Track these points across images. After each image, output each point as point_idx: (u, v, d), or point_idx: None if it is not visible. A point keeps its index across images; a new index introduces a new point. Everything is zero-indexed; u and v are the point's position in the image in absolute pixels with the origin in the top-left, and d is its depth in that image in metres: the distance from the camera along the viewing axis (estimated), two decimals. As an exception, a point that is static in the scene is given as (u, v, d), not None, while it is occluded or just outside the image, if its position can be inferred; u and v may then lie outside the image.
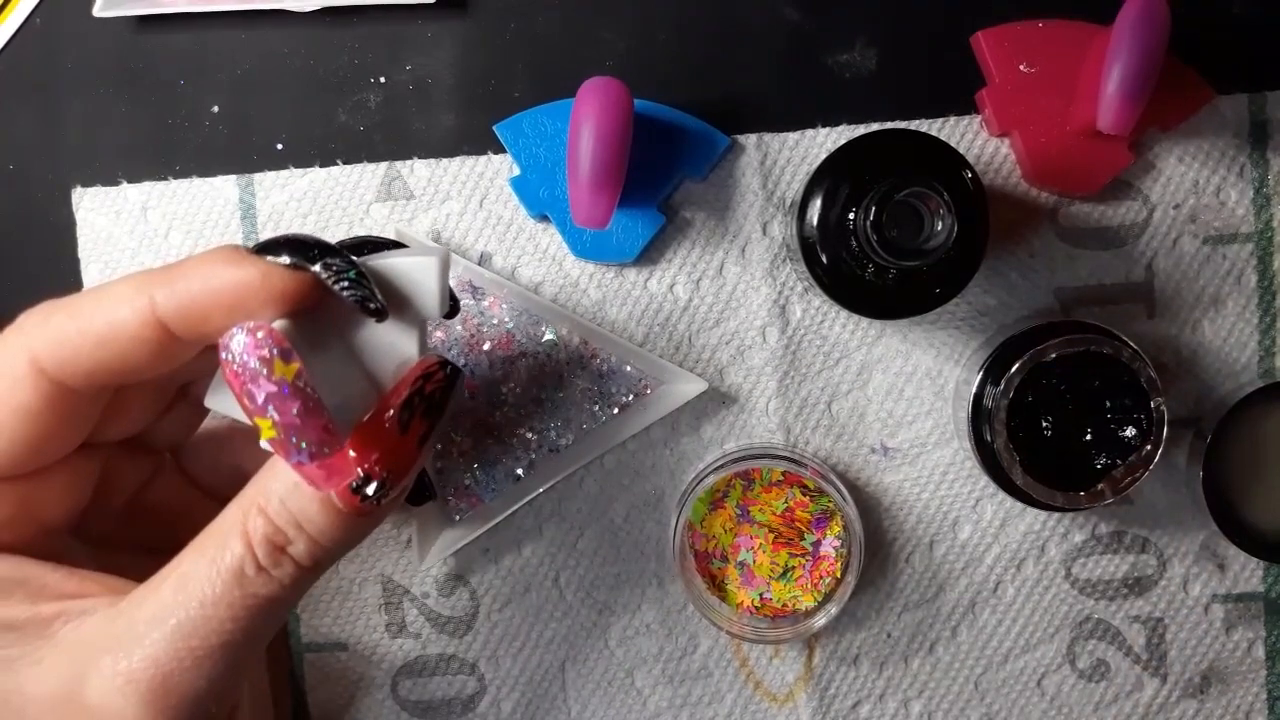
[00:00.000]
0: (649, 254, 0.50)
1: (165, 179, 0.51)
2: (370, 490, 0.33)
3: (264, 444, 0.32)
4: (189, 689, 0.34)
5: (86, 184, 0.51)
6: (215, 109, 0.51)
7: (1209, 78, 0.48)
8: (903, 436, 0.50)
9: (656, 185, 0.49)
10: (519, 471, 0.50)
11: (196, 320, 0.33)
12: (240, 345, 0.31)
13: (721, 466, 0.48)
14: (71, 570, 0.36)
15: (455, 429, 0.50)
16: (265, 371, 0.30)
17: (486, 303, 0.50)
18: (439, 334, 0.50)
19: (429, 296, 0.36)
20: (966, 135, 0.49)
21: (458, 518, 0.50)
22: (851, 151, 0.43)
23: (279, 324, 0.32)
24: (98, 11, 0.49)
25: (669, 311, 0.50)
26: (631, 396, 0.50)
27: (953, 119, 0.49)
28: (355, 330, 0.36)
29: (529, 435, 0.50)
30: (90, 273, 0.51)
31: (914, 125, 0.49)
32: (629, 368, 0.50)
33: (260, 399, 0.31)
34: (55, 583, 0.36)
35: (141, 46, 0.51)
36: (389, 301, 0.35)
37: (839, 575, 0.48)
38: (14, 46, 0.51)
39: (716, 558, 0.49)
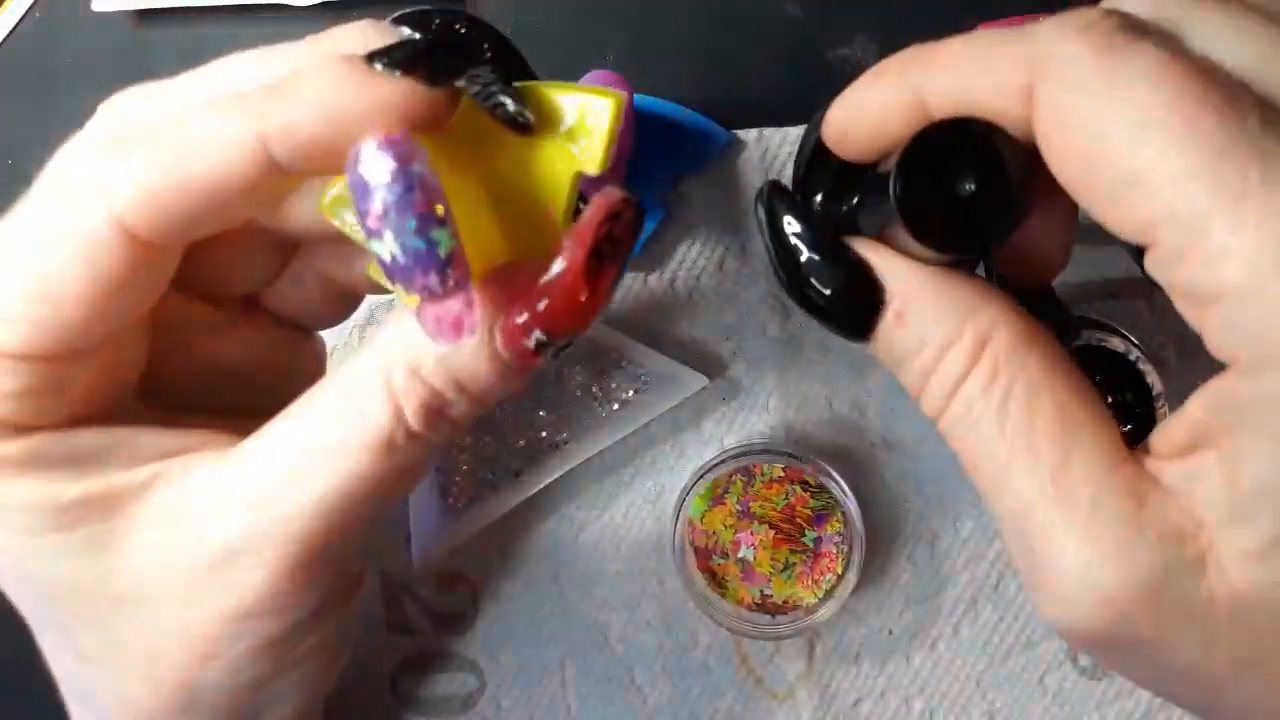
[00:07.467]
0: (649, 249, 0.50)
1: (163, 174, 0.51)
2: (553, 345, 0.29)
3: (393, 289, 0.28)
4: (334, 556, 0.31)
5: (84, 179, 0.51)
6: (213, 104, 0.51)
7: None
8: (904, 431, 0.50)
9: (656, 180, 0.49)
10: (518, 468, 0.50)
11: (317, 157, 0.27)
12: (375, 163, 0.26)
13: (722, 462, 0.47)
14: (162, 429, 0.32)
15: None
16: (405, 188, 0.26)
17: (486, 298, 0.50)
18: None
19: (594, 146, 0.29)
20: (967, 130, 0.49)
21: (456, 514, 0.50)
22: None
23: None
24: (96, 6, 0.49)
25: (669, 306, 0.50)
26: (631, 392, 0.50)
27: (954, 113, 0.49)
28: (486, 163, 0.31)
29: (528, 431, 0.50)
30: (88, 268, 0.51)
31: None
32: (628, 363, 0.50)
33: (395, 218, 0.26)
34: (150, 443, 0.32)
35: (140, 41, 0.51)
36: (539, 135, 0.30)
37: (840, 571, 0.48)
38: (11, 41, 0.51)
39: (717, 554, 0.49)
